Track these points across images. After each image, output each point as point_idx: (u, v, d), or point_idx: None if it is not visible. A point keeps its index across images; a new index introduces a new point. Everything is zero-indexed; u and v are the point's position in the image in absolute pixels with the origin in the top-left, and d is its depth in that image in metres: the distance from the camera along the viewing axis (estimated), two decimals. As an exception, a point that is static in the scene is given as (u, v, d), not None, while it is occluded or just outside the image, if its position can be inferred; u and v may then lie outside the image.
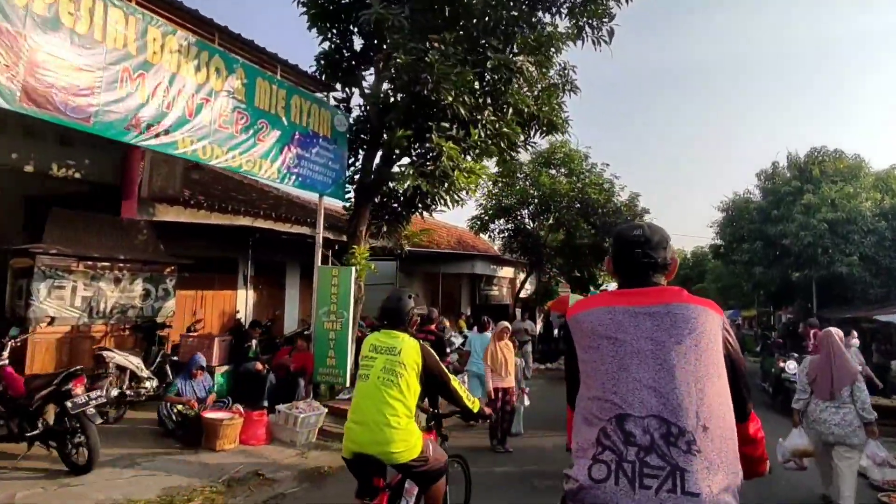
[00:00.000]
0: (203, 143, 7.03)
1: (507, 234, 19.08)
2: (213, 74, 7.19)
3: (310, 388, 8.26)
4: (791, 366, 10.89)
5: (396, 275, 16.25)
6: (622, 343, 1.69)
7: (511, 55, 8.68)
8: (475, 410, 3.58)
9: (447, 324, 17.19)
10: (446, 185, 8.41)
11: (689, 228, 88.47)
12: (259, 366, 8.57)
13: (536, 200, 17.92)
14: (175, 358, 8.79)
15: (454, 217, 60.36)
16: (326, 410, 7.39)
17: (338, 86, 9.73)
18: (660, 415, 1.57)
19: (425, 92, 7.84)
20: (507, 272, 20.92)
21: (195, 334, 9.62)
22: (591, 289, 25.14)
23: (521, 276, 20.68)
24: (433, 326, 14.02)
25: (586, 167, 18.75)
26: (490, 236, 19.27)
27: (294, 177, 8.38)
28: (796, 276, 16.15)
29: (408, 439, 3.13)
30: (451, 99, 8.13)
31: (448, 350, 13.41)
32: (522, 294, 20.65)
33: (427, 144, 8.28)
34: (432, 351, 3.37)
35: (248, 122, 7.65)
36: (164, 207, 9.83)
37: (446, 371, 3.42)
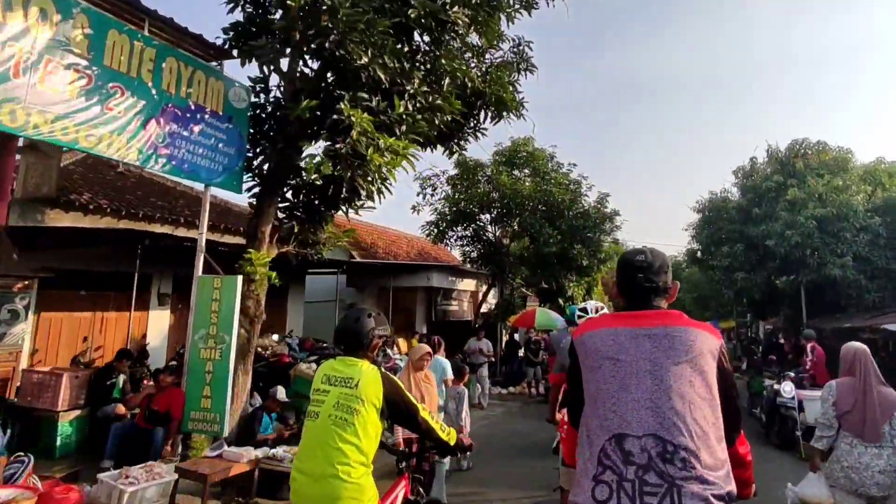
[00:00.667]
0: (11, 107, 5.08)
1: (465, 241, 17.25)
2: (34, 17, 5.24)
3: (177, 438, 6.23)
4: (787, 388, 9.21)
5: (336, 289, 14.29)
6: (623, 363, 1.76)
7: (443, 6, 6.93)
8: (452, 443, 3.07)
9: (400, 344, 15.32)
10: (362, 169, 6.53)
11: (661, 237, 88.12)
12: (121, 408, 6.56)
13: (497, 204, 16.14)
14: (15, 400, 6.75)
15: (414, 226, 57.99)
16: (177, 477, 5.17)
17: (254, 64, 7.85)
18: (656, 433, 1.63)
19: (327, 45, 6.03)
20: (467, 284, 19.08)
21: (44, 370, 7.43)
22: (560, 302, 23.50)
23: (484, 288, 18.85)
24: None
25: (552, 167, 17.11)
26: (446, 244, 17.41)
27: (164, 160, 6.43)
28: (782, 281, 14.63)
29: (359, 497, 2.61)
30: (366, 60, 6.35)
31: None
32: (484, 308, 18.80)
33: (336, 117, 6.42)
34: (395, 379, 2.85)
35: (91, 85, 5.69)
36: (57, 213, 7.85)
37: (414, 401, 2.89)
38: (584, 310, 4.66)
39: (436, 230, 16.65)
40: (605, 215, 16.96)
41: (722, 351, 1.81)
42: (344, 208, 7.34)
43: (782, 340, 20.80)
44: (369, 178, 6.63)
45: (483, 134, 9.34)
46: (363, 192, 7.03)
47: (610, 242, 18.68)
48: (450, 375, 6.84)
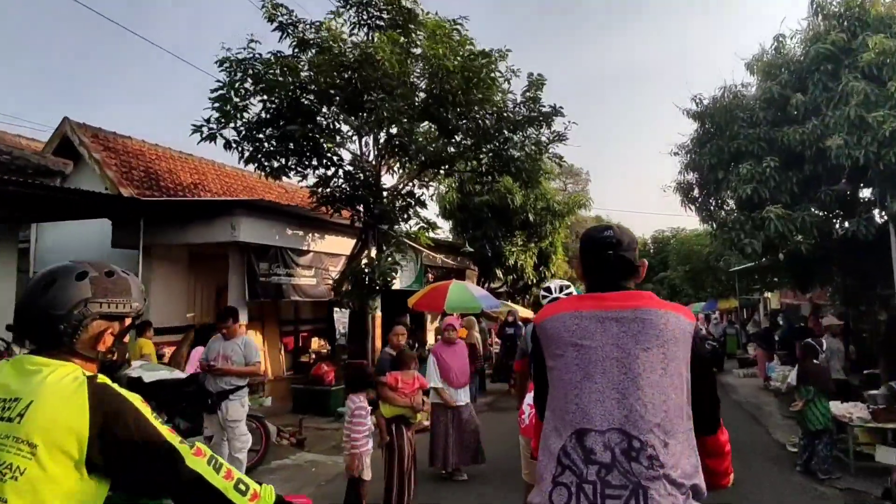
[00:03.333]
0: None
1: (297, 164, 10.03)
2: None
3: None
4: None
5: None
6: (588, 350, 1.60)
7: None
8: None
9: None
10: None
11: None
12: None
13: (339, 82, 8.89)
14: None
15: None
16: None
17: None
18: (622, 428, 1.49)
19: None
20: (335, 245, 12.01)
21: None
22: (499, 274, 16.80)
23: (372, 250, 11.78)
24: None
25: (455, 44, 10.01)
26: (274, 176, 10.09)
27: None
28: (853, 221, 7.73)
29: None
30: None
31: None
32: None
33: None
34: (130, 398, 1.34)
35: None
36: None
37: (171, 437, 1.34)
38: (549, 289, 4.13)
39: (247, 148, 9.51)
40: (540, 113, 9.75)
41: (696, 334, 1.65)
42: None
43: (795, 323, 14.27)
44: None
45: None
46: None
47: (551, 161, 11.41)
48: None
